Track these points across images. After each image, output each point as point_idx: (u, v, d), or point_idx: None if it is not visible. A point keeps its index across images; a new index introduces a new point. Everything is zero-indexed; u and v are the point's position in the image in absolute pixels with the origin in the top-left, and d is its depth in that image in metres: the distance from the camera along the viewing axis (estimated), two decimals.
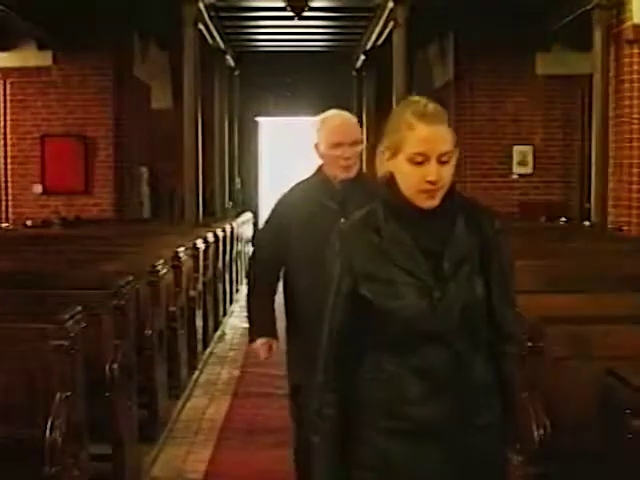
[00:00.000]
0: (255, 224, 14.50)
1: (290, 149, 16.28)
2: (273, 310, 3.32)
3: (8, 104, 11.29)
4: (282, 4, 10.42)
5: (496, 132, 11.72)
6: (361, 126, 3.43)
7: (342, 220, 2.09)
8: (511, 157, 11.88)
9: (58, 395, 2.98)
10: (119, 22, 11.01)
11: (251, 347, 3.39)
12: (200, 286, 7.04)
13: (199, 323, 6.91)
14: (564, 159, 12.00)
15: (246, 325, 3.42)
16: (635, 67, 8.24)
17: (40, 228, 9.41)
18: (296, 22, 11.31)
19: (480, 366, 1.97)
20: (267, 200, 15.20)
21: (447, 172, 1.93)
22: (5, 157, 11.39)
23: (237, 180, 16.02)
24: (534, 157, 11.91)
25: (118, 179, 11.56)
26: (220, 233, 8.80)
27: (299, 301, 3.15)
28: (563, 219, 9.44)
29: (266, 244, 3.29)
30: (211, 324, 7.76)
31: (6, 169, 11.39)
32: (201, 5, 9.66)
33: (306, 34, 13.19)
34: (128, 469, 3.97)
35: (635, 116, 8.23)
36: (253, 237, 13.19)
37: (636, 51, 8.24)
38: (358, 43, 13.84)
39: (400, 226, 1.96)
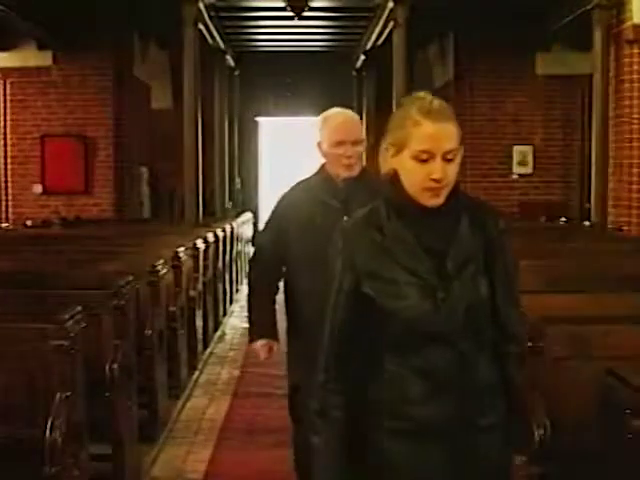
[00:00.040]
0: (255, 224, 14.51)
1: (290, 149, 16.29)
2: (274, 311, 3.32)
3: (8, 104, 11.29)
4: (282, 4, 10.42)
5: (496, 132, 11.72)
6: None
7: (345, 219, 2.07)
8: (511, 157, 11.88)
9: (58, 395, 2.97)
10: (119, 22, 11.01)
11: (251, 347, 3.39)
12: (200, 286, 7.04)
13: (199, 323, 6.91)
14: (564, 159, 12.00)
15: (246, 325, 3.42)
16: (635, 67, 8.24)
17: (40, 228, 9.41)
18: (296, 22, 11.31)
19: (484, 366, 1.95)
20: (267, 200, 15.21)
21: (452, 170, 1.91)
22: (5, 157, 11.39)
23: (237, 180, 16.02)
24: (534, 157, 11.91)
25: (118, 179, 11.56)
26: (220, 233, 8.80)
27: (300, 301, 3.14)
28: (563, 219, 9.45)
29: (266, 245, 3.28)
30: (211, 324, 7.76)
31: (6, 169, 11.40)
32: (201, 5, 9.66)
33: (306, 34, 13.19)
34: (128, 469, 3.96)
35: (635, 116, 8.23)
36: (253, 237, 13.20)
37: (636, 51, 8.24)
38: (358, 43, 13.84)
39: (403, 224, 1.94)
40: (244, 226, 12.47)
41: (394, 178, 1.97)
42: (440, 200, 1.92)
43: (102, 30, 11.01)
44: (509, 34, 10.72)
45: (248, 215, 13.78)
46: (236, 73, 15.29)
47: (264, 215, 13.26)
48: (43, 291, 4.06)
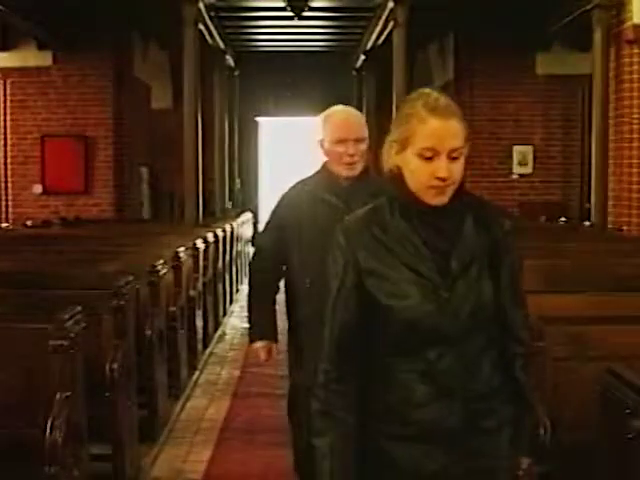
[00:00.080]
0: (255, 224, 14.51)
1: (290, 149, 16.29)
2: (273, 312, 3.32)
3: (8, 104, 11.30)
4: (282, 4, 10.42)
5: (496, 132, 11.73)
6: None
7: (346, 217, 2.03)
8: (511, 157, 11.89)
9: (58, 395, 2.97)
10: (119, 22, 11.02)
11: (251, 348, 3.40)
12: (200, 286, 7.04)
13: (199, 323, 6.91)
14: (564, 159, 12.01)
15: (246, 325, 3.42)
16: (635, 67, 8.24)
17: (40, 228, 9.40)
18: (296, 22, 11.32)
19: (488, 368, 1.92)
20: (267, 200, 15.21)
21: (457, 168, 1.87)
22: (5, 157, 11.40)
23: (237, 180, 16.02)
24: (534, 157, 11.92)
25: (118, 179, 11.57)
26: (220, 233, 8.80)
27: (301, 301, 3.13)
28: (563, 219, 9.45)
29: (266, 246, 3.27)
30: (211, 324, 7.76)
31: (6, 169, 11.40)
32: (201, 5, 9.66)
33: (306, 34, 13.19)
34: (128, 469, 3.97)
35: (635, 116, 8.23)
36: (253, 237, 13.21)
37: (636, 51, 8.24)
38: (358, 43, 13.84)
39: (407, 223, 1.90)
40: (244, 226, 12.47)
41: (398, 176, 1.92)
42: (445, 199, 1.88)
43: (102, 30, 11.01)
44: (509, 34, 10.73)
45: (248, 215, 13.78)
46: (236, 73, 15.29)
47: (264, 215, 13.27)
48: (43, 291, 4.06)
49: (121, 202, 11.68)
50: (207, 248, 7.57)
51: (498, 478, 1.96)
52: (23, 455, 2.94)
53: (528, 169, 11.92)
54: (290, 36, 13.37)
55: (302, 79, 15.22)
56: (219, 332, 8.25)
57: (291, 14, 10.66)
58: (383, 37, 11.66)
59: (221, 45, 13.03)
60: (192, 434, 4.99)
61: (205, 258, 7.42)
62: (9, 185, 11.43)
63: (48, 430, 2.89)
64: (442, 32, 12.18)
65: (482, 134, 11.54)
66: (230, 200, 15.07)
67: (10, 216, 11.36)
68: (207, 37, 11.62)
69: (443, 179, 1.84)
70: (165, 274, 5.27)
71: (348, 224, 1.98)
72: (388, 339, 1.90)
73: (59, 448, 2.89)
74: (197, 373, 6.50)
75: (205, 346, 7.31)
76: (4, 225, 10.65)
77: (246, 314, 3.42)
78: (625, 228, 8.26)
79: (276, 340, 3.30)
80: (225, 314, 9.14)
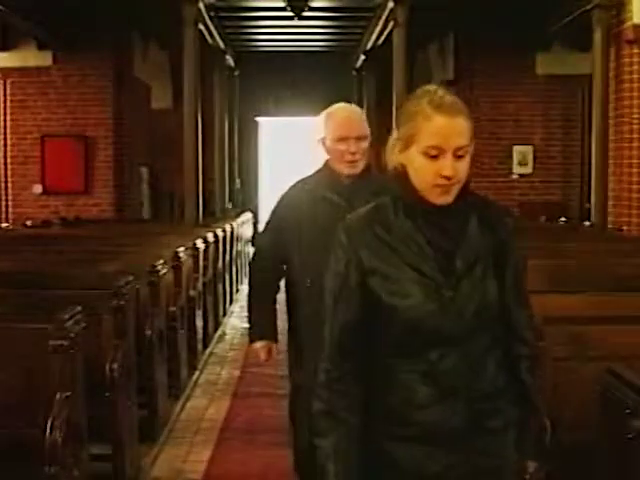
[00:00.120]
0: (255, 224, 14.51)
1: (290, 149, 16.29)
2: (274, 312, 3.31)
3: (8, 104, 11.31)
4: (282, 4, 10.42)
5: (496, 132, 11.73)
6: None
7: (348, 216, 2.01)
8: (511, 157, 11.89)
9: (58, 395, 2.97)
10: (119, 22, 11.02)
11: (251, 348, 3.40)
12: (200, 286, 7.04)
13: (199, 323, 6.91)
14: (564, 159, 12.01)
15: (246, 325, 3.42)
16: (635, 67, 8.25)
17: (40, 228, 9.41)
18: (296, 22, 11.31)
19: (493, 367, 1.89)
20: (267, 200, 15.20)
21: (463, 167, 1.83)
22: (5, 157, 11.40)
23: (237, 180, 16.02)
24: (534, 157, 11.92)
25: (118, 179, 11.58)
26: (220, 233, 8.80)
27: (301, 301, 3.11)
28: (563, 219, 9.45)
29: (266, 247, 3.26)
30: (211, 324, 7.76)
31: (6, 169, 11.41)
32: (201, 5, 9.66)
33: (306, 34, 13.19)
34: (128, 469, 3.97)
35: (635, 116, 8.24)
36: (253, 237, 13.21)
37: (636, 51, 8.25)
38: (358, 43, 13.84)
39: (411, 222, 1.87)
40: (244, 226, 12.48)
41: (402, 174, 1.89)
42: (450, 198, 1.85)
43: (102, 30, 11.02)
44: (509, 34, 10.73)
45: (248, 215, 13.78)
46: (236, 73, 15.28)
47: (264, 215, 13.26)
48: (43, 291, 4.06)
49: (121, 202, 11.69)
50: (207, 248, 7.57)
51: (504, 478, 1.93)
52: (23, 455, 2.94)
53: (528, 169, 11.92)
54: (290, 36, 13.37)
55: (302, 79, 15.22)
56: (219, 332, 8.25)
57: (291, 14, 10.66)
58: (383, 37, 11.66)
59: (221, 45, 13.03)
60: (192, 434, 4.99)
61: (205, 258, 7.42)
62: (9, 185, 11.44)
63: (48, 430, 2.89)
64: (442, 32, 12.18)
65: (482, 134, 11.53)
66: (230, 200, 15.07)
67: (10, 216, 11.36)
68: (207, 37, 11.62)
69: (448, 178, 1.81)
70: (165, 274, 5.27)
71: (350, 222, 1.95)
72: (390, 339, 1.88)
73: (59, 448, 2.89)
74: (197, 373, 6.50)
75: (205, 346, 7.31)
76: (4, 225, 10.66)
77: (246, 314, 3.42)
78: (625, 228, 8.26)
79: (276, 340, 3.30)
80: (225, 314, 9.14)
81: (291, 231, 3.12)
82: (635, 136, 8.24)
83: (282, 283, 3.30)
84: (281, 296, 3.27)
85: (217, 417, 5.33)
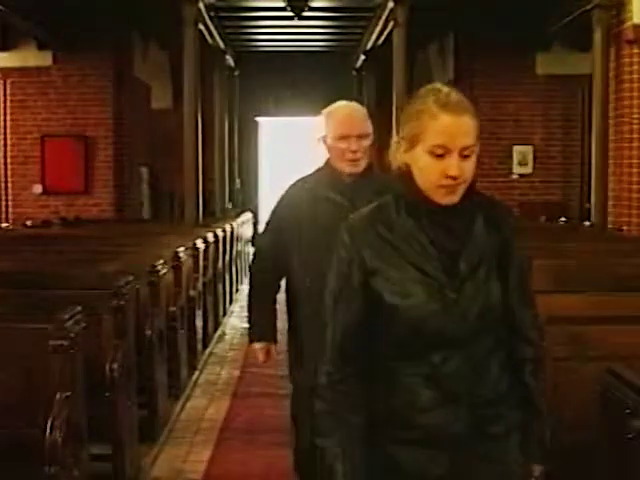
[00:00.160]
0: (255, 224, 14.51)
1: (290, 149, 16.29)
2: (273, 312, 3.30)
3: (8, 104, 11.30)
4: (282, 4, 10.42)
5: (496, 132, 11.72)
6: None
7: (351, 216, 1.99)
8: (511, 157, 11.89)
9: (58, 395, 2.97)
10: (119, 22, 11.02)
11: (251, 348, 3.39)
12: (200, 286, 7.04)
13: (199, 323, 6.91)
14: (564, 159, 12.01)
15: (246, 325, 3.42)
16: (635, 67, 8.24)
17: (40, 228, 9.41)
18: (296, 22, 11.32)
19: (496, 370, 1.87)
20: (267, 200, 15.21)
21: (469, 167, 1.81)
22: (5, 157, 11.40)
23: (237, 180, 16.03)
24: (534, 157, 11.92)
25: (118, 179, 11.57)
26: (220, 233, 8.80)
27: (301, 301, 3.10)
28: (563, 219, 9.45)
29: (266, 248, 3.25)
30: (211, 324, 7.76)
31: (6, 169, 11.41)
32: (201, 5, 9.66)
33: (306, 34, 13.20)
34: (128, 469, 3.97)
35: (635, 116, 8.23)
36: (253, 237, 13.21)
37: (636, 51, 8.24)
38: (358, 43, 13.85)
39: (413, 220, 1.84)
40: (244, 226, 12.48)
41: (406, 174, 1.86)
42: (455, 198, 1.82)
43: (102, 30, 11.02)
44: (509, 34, 10.73)
45: (248, 215, 13.79)
46: (236, 73, 15.29)
47: (264, 215, 13.27)
48: (43, 291, 4.06)
49: (121, 202, 11.68)
50: (207, 248, 7.57)
51: None
52: (23, 455, 2.94)
53: (528, 169, 11.92)
54: (290, 36, 13.37)
55: (302, 79, 15.22)
56: (219, 332, 8.25)
57: (291, 14, 10.66)
58: (383, 37, 11.66)
59: (221, 45, 13.04)
60: (192, 434, 4.99)
61: (205, 258, 7.42)
62: (9, 185, 11.44)
63: (48, 430, 2.89)
64: (442, 32, 12.18)
65: (482, 134, 11.37)
66: (230, 200, 15.08)
67: (10, 216, 11.36)
68: (207, 37, 11.63)
69: (454, 178, 1.79)
70: (165, 274, 5.27)
71: (353, 222, 1.93)
72: (392, 340, 1.86)
73: (59, 448, 2.89)
74: (197, 373, 6.50)
75: (205, 346, 7.31)
76: (4, 225, 10.66)
77: (246, 314, 3.42)
78: (625, 228, 8.26)
79: (275, 340, 3.29)
80: (225, 314, 9.14)
81: (291, 231, 3.10)
82: (635, 136, 8.24)
83: (282, 282, 3.30)
84: (281, 296, 3.27)
85: (217, 417, 5.33)
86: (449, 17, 10.86)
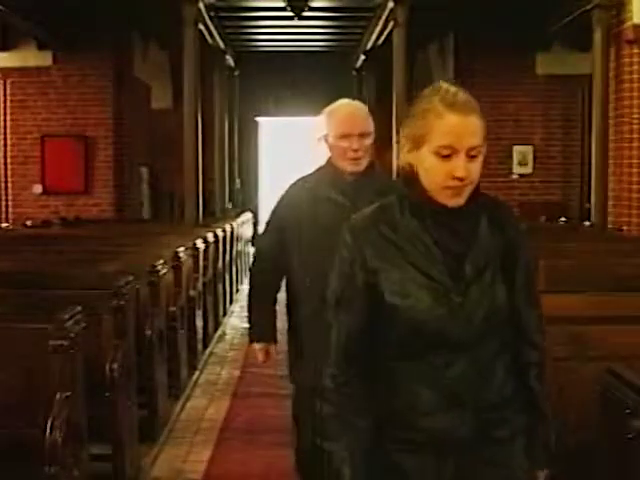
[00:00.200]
0: (255, 224, 14.51)
1: (290, 149, 16.29)
2: (273, 313, 3.30)
3: (8, 104, 11.31)
4: (282, 4, 10.42)
5: (496, 132, 11.72)
6: None
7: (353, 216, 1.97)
8: (511, 157, 11.89)
9: (58, 395, 2.97)
10: (119, 22, 11.02)
11: (251, 348, 3.40)
12: (200, 286, 7.04)
13: (199, 323, 6.90)
14: (564, 159, 12.01)
15: (246, 325, 3.42)
16: (635, 67, 8.24)
17: (40, 228, 9.41)
18: (296, 22, 11.31)
19: (501, 373, 1.85)
20: (267, 200, 15.20)
21: (476, 168, 1.77)
22: (5, 157, 11.40)
23: (237, 180, 16.03)
24: (534, 157, 11.92)
25: (118, 179, 11.57)
26: (220, 233, 8.80)
27: (301, 301, 3.10)
28: (563, 219, 9.45)
29: (266, 249, 3.24)
30: (211, 324, 7.76)
31: (6, 169, 11.41)
32: (201, 5, 9.66)
33: (306, 34, 13.20)
34: (128, 469, 3.97)
35: (635, 116, 8.23)
36: (253, 237, 13.21)
37: (636, 51, 8.24)
38: (358, 43, 13.85)
39: (417, 221, 1.81)
40: (244, 226, 12.47)
41: (411, 174, 1.82)
42: (461, 200, 1.79)
43: (102, 30, 11.02)
44: (509, 34, 10.73)
45: (248, 215, 13.78)
46: (236, 73, 15.29)
47: (264, 215, 13.26)
48: (43, 291, 4.06)
49: (121, 202, 11.68)
50: (207, 248, 7.57)
51: None
52: (23, 455, 2.94)
53: (528, 169, 11.92)
54: (290, 36, 13.37)
55: (302, 79, 15.22)
56: (219, 332, 8.25)
57: (291, 14, 10.66)
58: (383, 37, 11.66)
59: (221, 45, 13.03)
60: (192, 434, 4.99)
61: (205, 258, 7.42)
62: (9, 185, 11.44)
63: (48, 430, 2.89)
64: (442, 32, 12.18)
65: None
66: (230, 200, 15.08)
67: (10, 216, 11.36)
68: (207, 37, 11.62)
69: (461, 179, 1.75)
70: (165, 274, 5.27)
71: (355, 222, 1.90)
72: (393, 340, 1.85)
73: (59, 448, 2.89)
74: (197, 373, 6.50)
75: (205, 346, 7.31)
76: (4, 225, 10.66)
77: (246, 314, 3.41)
78: (625, 228, 8.26)
79: (275, 341, 3.29)
80: (225, 314, 9.14)
81: (291, 230, 3.09)
82: (635, 136, 8.24)
83: (283, 282, 3.30)
84: (281, 296, 3.26)
85: (217, 417, 5.33)
86: (449, 17, 10.86)
